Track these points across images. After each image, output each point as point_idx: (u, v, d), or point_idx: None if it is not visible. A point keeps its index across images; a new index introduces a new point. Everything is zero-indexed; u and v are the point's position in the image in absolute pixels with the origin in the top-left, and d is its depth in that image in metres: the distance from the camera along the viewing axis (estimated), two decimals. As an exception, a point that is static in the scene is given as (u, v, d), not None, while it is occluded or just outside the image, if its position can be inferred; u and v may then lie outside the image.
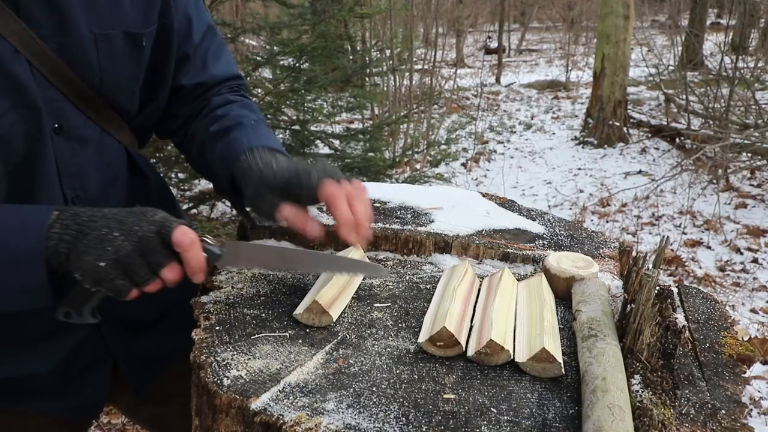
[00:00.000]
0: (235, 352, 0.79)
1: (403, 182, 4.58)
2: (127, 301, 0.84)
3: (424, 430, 0.67)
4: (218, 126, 1.07)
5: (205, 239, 0.87)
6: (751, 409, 2.71)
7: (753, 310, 3.55)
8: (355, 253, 0.98)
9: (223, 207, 4.37)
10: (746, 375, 0.80)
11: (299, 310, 0.87)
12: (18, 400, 1.04)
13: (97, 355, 1.07)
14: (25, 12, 0.85)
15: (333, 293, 0.90)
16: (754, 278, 3.97)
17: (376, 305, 0.93)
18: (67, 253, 0.80)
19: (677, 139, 7.07)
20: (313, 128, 4.23)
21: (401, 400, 0.72)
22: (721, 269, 4.12)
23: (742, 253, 4.32)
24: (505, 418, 0.70)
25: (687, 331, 0.88)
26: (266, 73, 4.24)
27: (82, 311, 0.85)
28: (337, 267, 0.90)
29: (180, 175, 3.91)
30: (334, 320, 0.87)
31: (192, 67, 1.11)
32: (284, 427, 0.67)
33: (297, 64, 3.74)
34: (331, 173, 0.94)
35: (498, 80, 12.31)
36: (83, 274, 0.80)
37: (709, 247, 4.46)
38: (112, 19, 0.94)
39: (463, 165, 6.89)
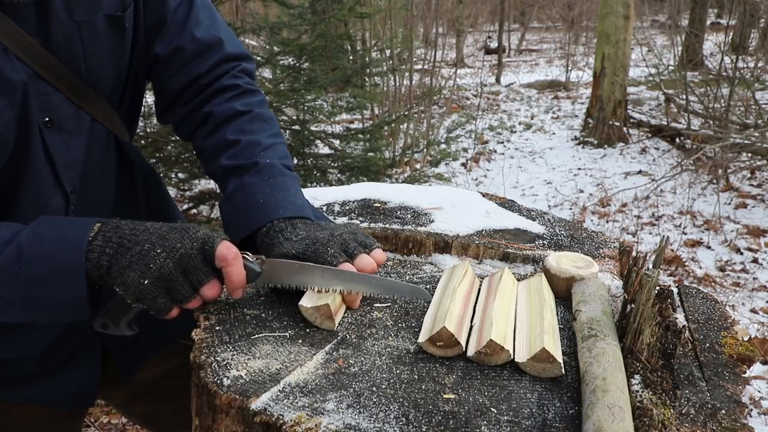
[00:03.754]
0: (235, 352, 0.79)
1: (403, 182, 4.58)
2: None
3: (424, 430, 0.67)
4: (230, 160, 1.01)
5: (246, 256, 0.87)
6: (751, 409, 2.70)
7: (753, 310, 3.55)
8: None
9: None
10: (746, 375, 0.80)
11: (306, 303, 0.86)
12: (9, 388, 1.04)
13: (86, 337, 1.06)
14: (10, 8, 0.85)
15: (340, 300, 0.89)
16: (754, 278, 3.96)
17: (376, 305, 0.93)
18: (108, 267, 0.80)
19: (677, 139, 7.07)
20: (313, 128, 4.23)
21: (401, 400, 0.72)
22: (721, 269, 4.12)
23: (742, 253, 4.32)
24: (505, 418, 0.70)
25: (687, 331, 0.88)
26: (266, 73, 4.23)
27: (119, 323, 0.85)
28: (377, 288, 0.90)
29: (180, 175, 3.91)
30: (335, 328, 0.87)
31: (168, 31, 1.04)
32: (284, 427, 0.67)
33: (297, 64, 3.74)
34: (347, 245, 0.92)
35: (498, 80, 12.31)
36: (125, 290, 0.80)
37: (709, 247, 4.46)
38: (92, 4, 0.93)
39: (463, 165, 6.89)
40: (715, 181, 5.62)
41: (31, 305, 0.81)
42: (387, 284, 0.92)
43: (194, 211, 4.08)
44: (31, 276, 0.79)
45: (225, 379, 0.74)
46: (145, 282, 0.79)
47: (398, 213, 1.25)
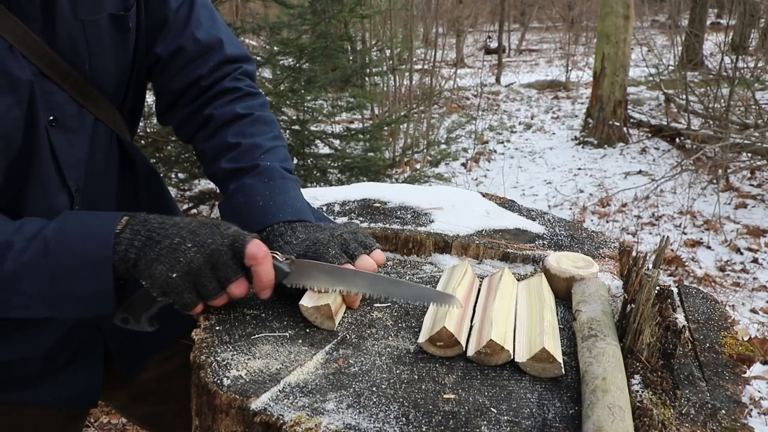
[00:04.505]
0: (235, 352, 0.79)
1: (403, 182, 4.58)
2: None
3: (424, 430, 0.67)
4: (231, 163, 1.01)
5: (275, 255, 0.86)
6: (751, 409, 2.70)
7: (753, 310, 3.55)
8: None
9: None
10: (746, 375, 0.80)
11: (307, 303, 0.86)
12: (11, 389, 1.04)
13: (88, 338, 1.07)
14: (17, 7, 0.85)
15: (341, 300, 0.89)
16: (754, 278, 3.96)
17: (376, 305, 0.93)
18: (136, 260, 0.79)
19: (677, 139, 7.07)
20: (313, 128, 4.23)
21: (401, 400, 0.72)
22: (721, 269, 4.12)
23: (742, 253, 4.32)
24: (505, 418, 0.70)
25: (687, 331, 0.88)
26: (266, 73, 4.23)
27: (140, 318, 0.84)
28: (405, 294, 0.89)
29: (180, 175, 3.91)
30: (335, 328, 0.87)
31: (169, 32, 1.04)
32: (284, 427, 0.67)
33: (297, 64, 3.74)
34: (347, 246, 0.92)
35: (498, 80, 12.31)
36: (152, 283, 0.80)
37: (709, 247, 4.46)
38: (96, 3, 0.93)
39: (463, 165, 6.89)
40: (715, 181, 5.62)
41: (56, 300, 0.81)
42: (419, 291, 0.91)
43: (194, 211, 4.08)
44: (58, 270, 0.78)
45: (225, 379, 0.74)
46: (174, 275, 0.79)
47: (398, 213, 1.25)
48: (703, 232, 4.74)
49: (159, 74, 1.08)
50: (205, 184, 4.33)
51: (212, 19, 1.09)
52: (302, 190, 1.05)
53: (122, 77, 1.02)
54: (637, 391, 0.72)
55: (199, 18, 1.06)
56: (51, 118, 0.91)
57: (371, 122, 6.03)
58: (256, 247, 0.83)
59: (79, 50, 0.93)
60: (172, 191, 4.05)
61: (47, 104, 0.90)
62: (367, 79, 5.29)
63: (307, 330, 0.86)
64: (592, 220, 5.11)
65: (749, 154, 5.78)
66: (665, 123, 7.39)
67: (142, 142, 3.53)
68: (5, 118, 0.85)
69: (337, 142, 4.38)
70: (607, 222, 5.03)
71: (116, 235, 0.80)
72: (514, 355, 0.80)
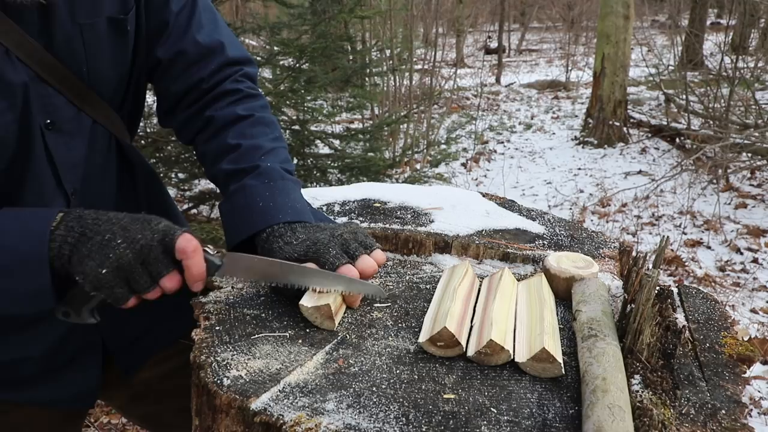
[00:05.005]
0: (235, 352, 0.79)
1: (403, 182, 4.58)
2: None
3: (424, 430, 0.67)
4: (231, 164, 1.01)
5: (206, 249, 0.87)
6: (751, 409, 2.70)
7: (753, 310, 3.55)
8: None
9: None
10: (746, 375, 0.80)
11: (307, 303, 0.86)
12: (10, 389, 1.04)
13: (88, 338, 1.07)
14: (14, 11, 0.85)
15: (341, 300, 0.89)
16: (754, 278, 3.96)
17: (376, 305, 0.93)
18: (69, 256, 0.80)
19: (677, 139, 7.07)
20: (313, 128, 4.23)
21: (401, 400, 0.72)
22: (721, 269, 4.12)
23: (742, 253, 4.32)
24: (505, 418, 0.70)
25: (687, 331, 0.88)
26: (266, 73, 4.23)
27: (80, 312, 0.85)
28: (335, 283, 0.89)
29: (180, 175, 3.91)
30: (335, 328, 0.87)
31: (170, 35, 1.04)
32: (284, 427, 0.67)
33: (297, 64, 3.74)
34: (347, 246, 0.92)
35: (498, 80, 12.31)
36: (84, 279, 0.80)
37: (709, 247, 4.46)
38: (94, 6, 0.93)
39: (463, 165, 6.89)
40: (715, 181, 5.62)
41: None
42: (343, 280, 0.90)
43: (194, 211, 4.09)
44: None
45: (225, 379, 0.74)
46: (103, 271, 0.80)
47: (398, 213, 1.25)
48: (703, 232, 4.74)
49: (160, 77, 1.08)
50: (205, 184, 4.32)
51: (214, 22, 1.09)
52: (302, 190, 1.05)
53: (121, 80, 1.02)
54: (637, 391, 0.72)
55: (200, 21, 1.06)
56: (48, 121, 0.91)
57: (371, 122, 6.03)
58: (185, 241, 0.83)
59: (76, 54, 0.93)
60: (172, 191, 4.05)
61: (43, 107, 0.90)
62: (367, 79, 5.29)
63: (307, 330, 0.86)
64: (592, 220, 5.11)
65: (749, 154, 5.78)
66: (665, 123, 7.39)
67: (142, 142, 3.53)
68: None
69: (337, 142, 4.38)
70: (607, 222, 5.03)
71: (51, 232, 0.80)
72: (514, 355, 0.80)
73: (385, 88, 6.48)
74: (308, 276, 0.88)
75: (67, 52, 0.91)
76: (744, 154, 5.83)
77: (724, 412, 0.72)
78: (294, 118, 4.07)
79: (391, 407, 0.71)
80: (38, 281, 0.80)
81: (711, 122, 6.68)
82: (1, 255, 0.80)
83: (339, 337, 0.85)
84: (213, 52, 1.07)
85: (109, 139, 1.04)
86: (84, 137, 0.98)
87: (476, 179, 6.44)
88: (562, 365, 0.77)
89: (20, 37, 0.86)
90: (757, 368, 2.92)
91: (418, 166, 5.81)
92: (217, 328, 0.85)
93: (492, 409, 0.71)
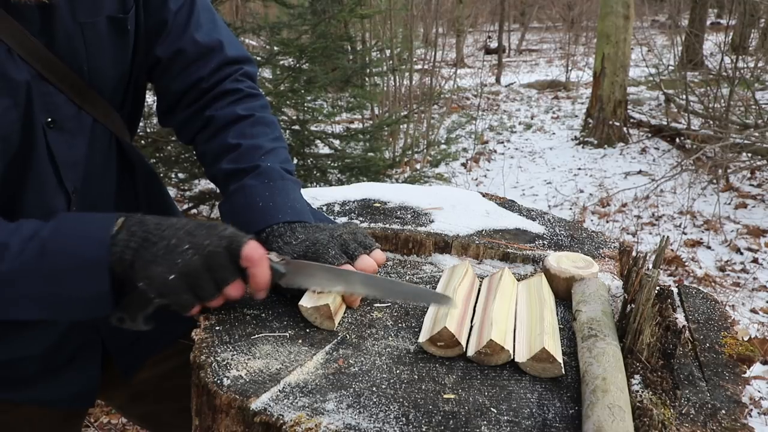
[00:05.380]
0: (235, 352, 0.79)
1: (403, 182, 4.58)
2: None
3: (424, 430, 0.67)
4: (231, 164, 1.01)
5: (271, 257, 0.86)
6: (751, 409, 2.70)
7: (753, 310, 3.55)
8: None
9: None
10: (746, 375, 0.80)
11: (306, 303, 0.86)
12: (10, 388, 1.04)
13: (87, 338, 1.07)
14: (15, 10, 0.85)
15: (340, 300, 0.89)
16: (754, 278, 3.96)
17: (376, 305, 0.93)
18: (132, 261, 0.79)
19: (677, 139, 7.07)
20: (313, 128, 4.23)
21: (401, 400, 0.72)
22: (721, 269, 4.12)
23: (742, 253, 4.32)
24: (505, 418, 0.70)
25: (687, 331, 0.88)
26: (266, 73, 4.23)
27: (136, 318, 0.83)
28: (400, 294, 0.89)
29: (180, 175, 3.91)
30: (335, 328, 0.87)
31: (169, 34, 1.04)
32: (284, 427, 0.67)
33: (297, 64, 3.74)
34: (347, 246, 0.92)
35: (498, 80, 12.30)
36: (149, 284, 0.79)
37: (709, 247, 4.46)
38: (94, 5, 0.93)
39: (463, 165, 6.89)
40: (715, 181, 5.62)
41: (53, 302, 0.80)
42: (416, 291, 0.91)
43: (194, 211, 4.09)
44: (54, 272, 0.78)
45: (225, 379, 0.74)
46: (171, 277, 0.79)
47: (398, 213, 1.25)
48: (703, 232, 4.74)
49: (159, 76, 1.08)
50: (205, 184, 4.32)
51: (212, 21, 1.09)
52: (302, 190, 1.05)
53: (121, 79, 1.02)
54: (637, 391, 0.72)
55: (199, 20, 1.06)
56: (49, 119, 0.91)
57: (371, 122, 6.03)
58: (252, 249, 0.83)
59: (77, 52, 0.93)
60: (172, 191, 4.05)
61: (45, 106, 0.90)
62: (367, 79, 5.29)
63: (307, 330, 0.86)
64: (592, 220, 5.11)
65: (749, 154, 5.78)
66: (665, 123, 7.39)
67: (142, 142, 3.53)
68: (1, 119, 0.85)
69: (337, 142, 4.38)
70: (607, 222, 5.03)
71: (112, 237, 0.80)
72: (514, 355, 0.80)
73: (385, 88, 6.48)
74: (376, 287, 0.88)
75: (67, 50, 0.91)
76: (744, 154, 5.83)
77: (724, 412, 0.72)
78: (294, 118, 4.07)
79: (391, 407, 0.71)
80: (97, 287, 0.79)
81: (711, 122, 6.68)
82: (61, 259, 0.79)
83: (339, 337, 0.85)
84: (212, 50, 1.07)
85: (109, 138, 1.04)
86: (85, 136, 0.98)
87: (476, 179, 6.44)
88: (562, 365, 0.77)
89: (22, 35, 0.86)
90: (757, 368, 2.92)
91: (418, 166, 5.81)
92: (217, 328, 0.85)
93: (492, 409, 0.71)
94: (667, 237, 1.16)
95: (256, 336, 0.83)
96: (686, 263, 4.17)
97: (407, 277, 1.03)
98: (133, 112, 1.12)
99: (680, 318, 0.91)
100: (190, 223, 0.83)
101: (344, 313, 0.90)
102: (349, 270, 0.88)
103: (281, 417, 0.68)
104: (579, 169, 6.69)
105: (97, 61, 0.96)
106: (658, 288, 0.90)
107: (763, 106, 6.45)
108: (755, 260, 4.20)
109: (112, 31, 0.96)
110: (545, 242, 1.16)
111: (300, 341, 0.83)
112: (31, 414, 1.07)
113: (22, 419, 1.07)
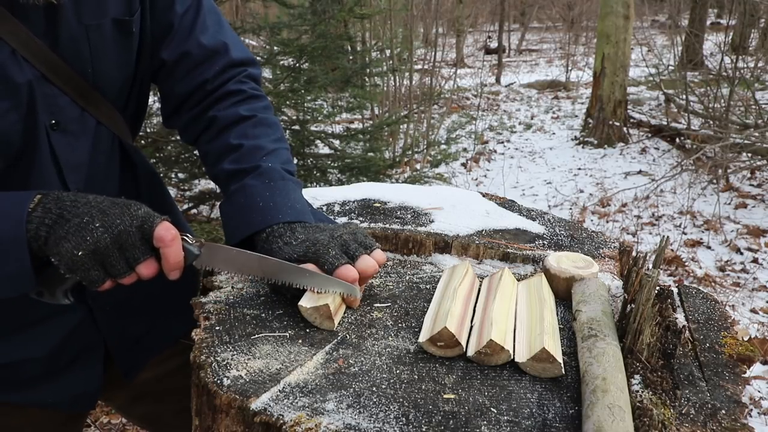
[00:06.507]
0: (235, 352, 0.79)
1: (403, 182, 4.58)
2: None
3: (424, 430, 0.67)
4: (233, 164, 1.01)
5: (185, 238, 0.87)
6: (751, 409, 2.71)
7: (753, 310, 3.55)
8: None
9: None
10: (746, 375, 0.80)
11: (306, 303, 0.86)
12: (12, 390, 1.04)
13: (89, 339, 1.07)
14: (21, 11, 0.85)
15: (340, 301, 0.89)
16: (754, 278, 3.97)
17: (376, 305, 0.93)
18: (46, 237, 0.80)
19: (677, 139, 7.07)
20: (313, 128, 4.23)
21: (401, 400, 0.72)
22: (721, 269, 4.12)
23: (742, 253, 4.32)
24: (505, 418, 0.70)
25: (687, 331, 0.88)
26: (266, 73, 4.23)
27: (55, 292, 0.85)
28: (312, 282, 0.89)
29: (180, 175, 3.91)
30: (335, 328, 0.87)
31: (175, 36, 1.05)
32: (284, 427, 0.67)
33: (297, 64, 3.74)
34: (347, 246, 0.91)
35: (498, 80, 12.31)
36: (59, 260, 0.80)
37: (709, 247, 4.46)
38: (99, 8, 0.93)
39: (463, 165, 6.89)
40: (715, 181, 5.62)
41: None
42: (321, 279, 0.90)
43: (194, 211, 4.09)
44: None
45: (225, 379, 0.74)
46: (79, 254, 0.79)
47: (398, 213, 1.25)
48: (703, 232, 4.75)
49: (164, 78, 1.08)
50: (205, 184, 4.33)
51: (218, 24, 1.09)
52: (302, 190, 1.06)
53: (125, 81, 1.03)
54: (637, 391, 0.72)
55: (205, 23, 1.07)
56: (53, 121, 0.92)
57: (371, 122, 6.03)
58: (164, 230, 0.83)
59: (81, 54, 0.93)
60: (172, 191, 4.05)
61: (48, 107, 0.91)
62: (367, 79, 5.29)
63: (307, 330, 0.86)
64: (592, 220, 5.11)
65: (749, 154, 5.78)
66: (665, 123, 7.39)
67: (143, 142, 3.53)
68: (2, 121, 0.85)
69: (337, 142, 4.38)
70: (607, 222, 5.03)
71: (28, 214, 0.80)
72: (514, 355, 0.80)
73: (385, 88, 6.49)
74: (289, 273, 0.88)
75: (72, 52, 0.92)
76: (744, 154, 5.83)
77: (724, 412, 0.72)
78: (294, 118, 4.07)
79: (391, 407, 0.71)
80: (18, 264, 0.80)
81: (711, 122, 6.68)
82: None
83: (339, 337, 0.85)
84: (217, 53, 1.08)
85: (112, 139, 1.04)
86: (88, 138, 0.98)
87: (476, 179, 6.44)
88: (562, 365, 0.77)
89: (26, 37, 0.86)
90: (757, 368, 2.92)
91: (418, 166, 5.82)
92: (217, 328, 0.85)
93: (492, 409, 0.71)
94: (667, 237, 1.16)
95: (256, 336, 0.83)
96: (686, 263, 4.17)
97: (407, 277, 1.03)
98: (136, 114, 1.12)
99: (680, 318, 0.91)
100: (105, 201, 0.83)
101: (344, 313, 0.90)
102: (261, 255, 0.89)
103: (281, 417, 0.68)
104: (579, 169, 6.69)
105: (102, 63, 0.96)
106: (658, 288, 0.90)
107: (763, 106, 6.45)
108: (755, 260, 4.20)
109: (117, 34, 0.96)
110: (545, 242, 1.16)
111: (300, 341, 0.83)
112: (33, 416, 1.07)
113: (24, 421, 1.07)
